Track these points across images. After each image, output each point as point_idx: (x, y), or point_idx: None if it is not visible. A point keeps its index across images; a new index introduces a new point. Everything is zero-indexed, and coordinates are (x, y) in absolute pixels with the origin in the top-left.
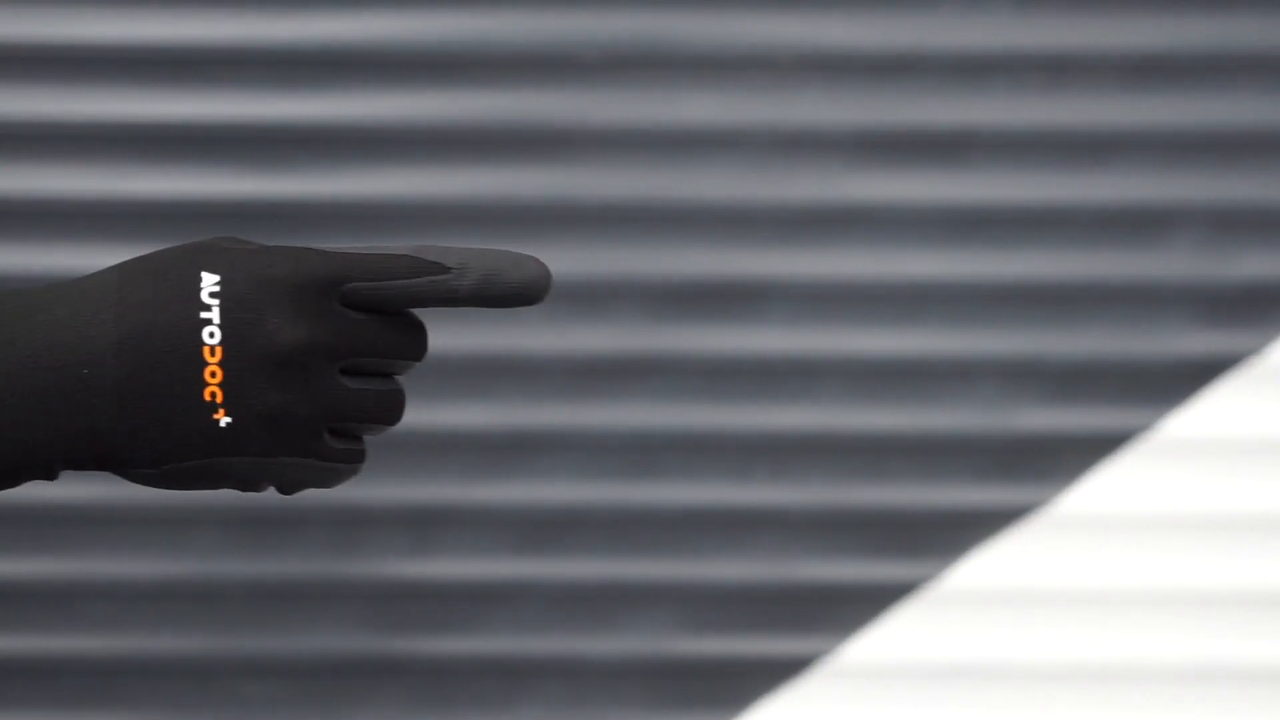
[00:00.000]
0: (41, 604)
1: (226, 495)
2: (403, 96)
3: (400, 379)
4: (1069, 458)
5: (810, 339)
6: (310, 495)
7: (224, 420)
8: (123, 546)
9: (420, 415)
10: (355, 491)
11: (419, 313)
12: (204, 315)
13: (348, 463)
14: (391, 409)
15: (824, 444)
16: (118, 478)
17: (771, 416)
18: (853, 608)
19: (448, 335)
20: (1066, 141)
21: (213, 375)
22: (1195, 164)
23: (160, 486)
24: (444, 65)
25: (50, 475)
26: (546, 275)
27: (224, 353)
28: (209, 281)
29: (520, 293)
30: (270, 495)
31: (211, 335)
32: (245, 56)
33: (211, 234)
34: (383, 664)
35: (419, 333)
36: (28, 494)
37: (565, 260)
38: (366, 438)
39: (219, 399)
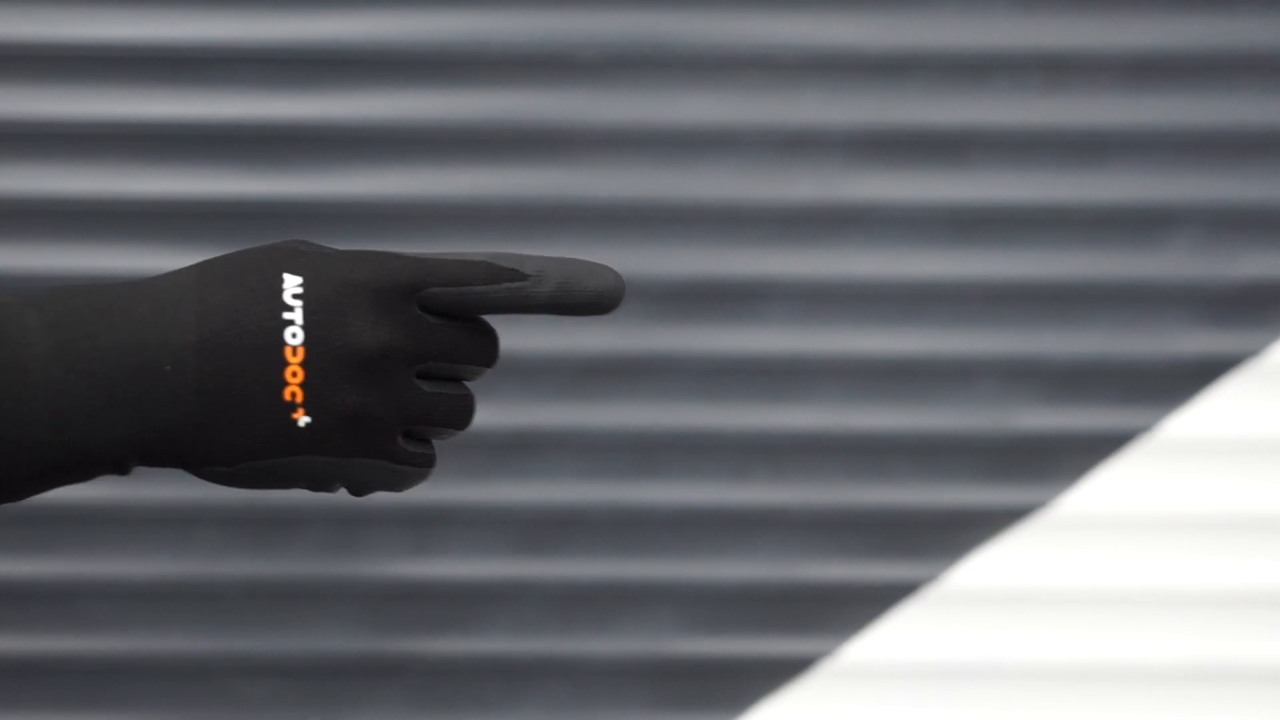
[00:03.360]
0: (41, 604)
1: (228, 494)
2: (403, 96)
3: (469, 384)
4: (1069, 458)
5: (810, 339)
6: (309, 495)
7: (303, 420)
8: (123, 546)
9: None
10: None
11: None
12: (287, 316)
13: (419, 466)
14: (463, 413)
15: (824, 444)
16: (185, 474)
17: (771, 416)
18: (853, 608)
19: None
20: (1066, 141)
21: (294, 375)
22: (1195, 164)
23: (234, 485)
24: (444, 65)
25: (124, 471)
26: (621, 284)
27: (306, 353)
28: (292, 283)
29: (596, 301)
30: (270, 495)
31: (294, 336)
32: (245, 56)
33: (212, 234)
34: (383, 664)
35: (492, 339)
36: None
37: None
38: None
39: (299, 399)
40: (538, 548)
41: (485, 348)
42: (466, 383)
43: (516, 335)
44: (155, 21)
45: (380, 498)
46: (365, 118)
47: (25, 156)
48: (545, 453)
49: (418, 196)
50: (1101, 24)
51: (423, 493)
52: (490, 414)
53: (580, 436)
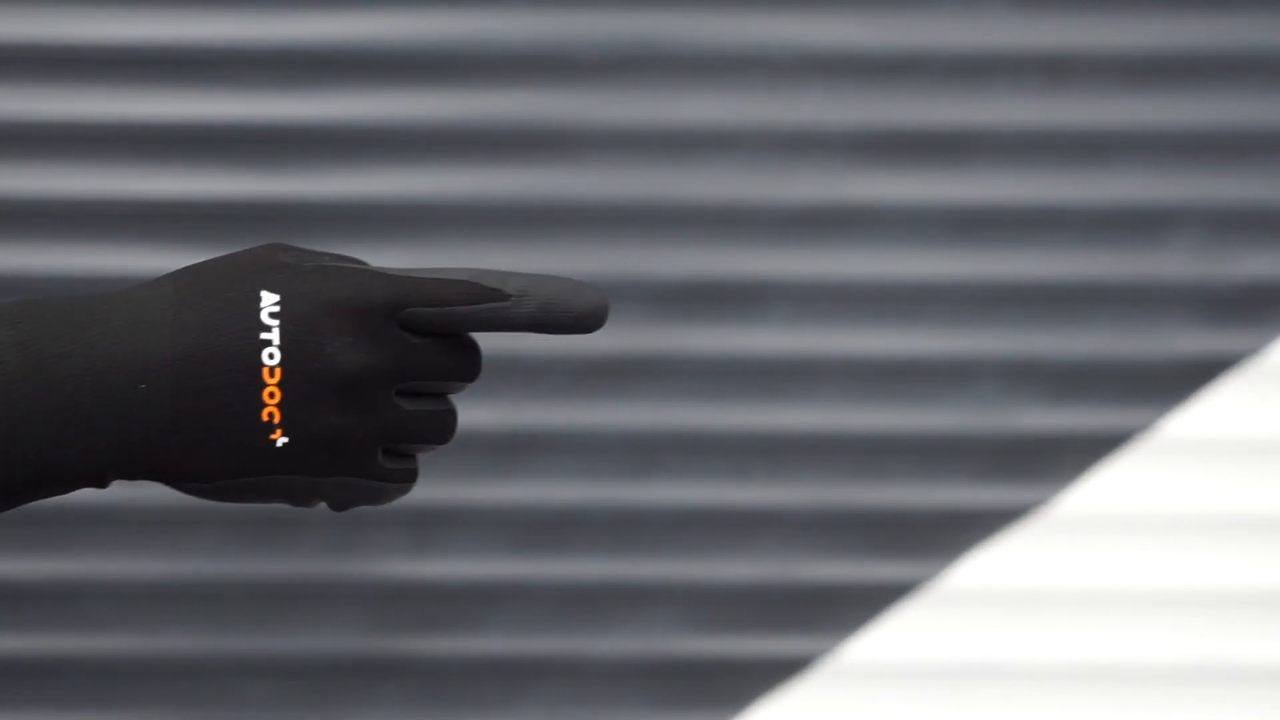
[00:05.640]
0: (42, 604)
1: None
2: (403, 96)
3: (452, 398)
4: (1069, 458)
5: (810, 339)
6: None
7: (280, 440)
8: (123, 546)
9: None
10: None
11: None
12: (264, 336)
13: (400, 482)
14: (444, 429)
15: (824, 444)
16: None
17: (771, 416)
18: (853, 608)
19: None
20: (1066, 141)
21: (271, 396)
22: (1195, 164)
23: (212, 499)
24: (444, 65)
25: (102, 484)
26: (605, 304)
27: (283, 374)
28: (269, 301)
29: (578, 322)
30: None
31: (271, 356)
32: (245, 56)
33: (212, 234)
34: (383, 664)
35: (474, 355)
36: None
37: (566, 260)
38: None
39: (276, 419)
40: (538, 548)
41: (466, 364)
42: (451, 395)
43: (516, 335)
44: (155, 21)
45: None
46: (365, 118)
47: (25, 156)
48: (545, 453)
49: (418, 196)
50: (1101, 24)
51: (423, 493)
52: (490, 414)
53: (580, 436)
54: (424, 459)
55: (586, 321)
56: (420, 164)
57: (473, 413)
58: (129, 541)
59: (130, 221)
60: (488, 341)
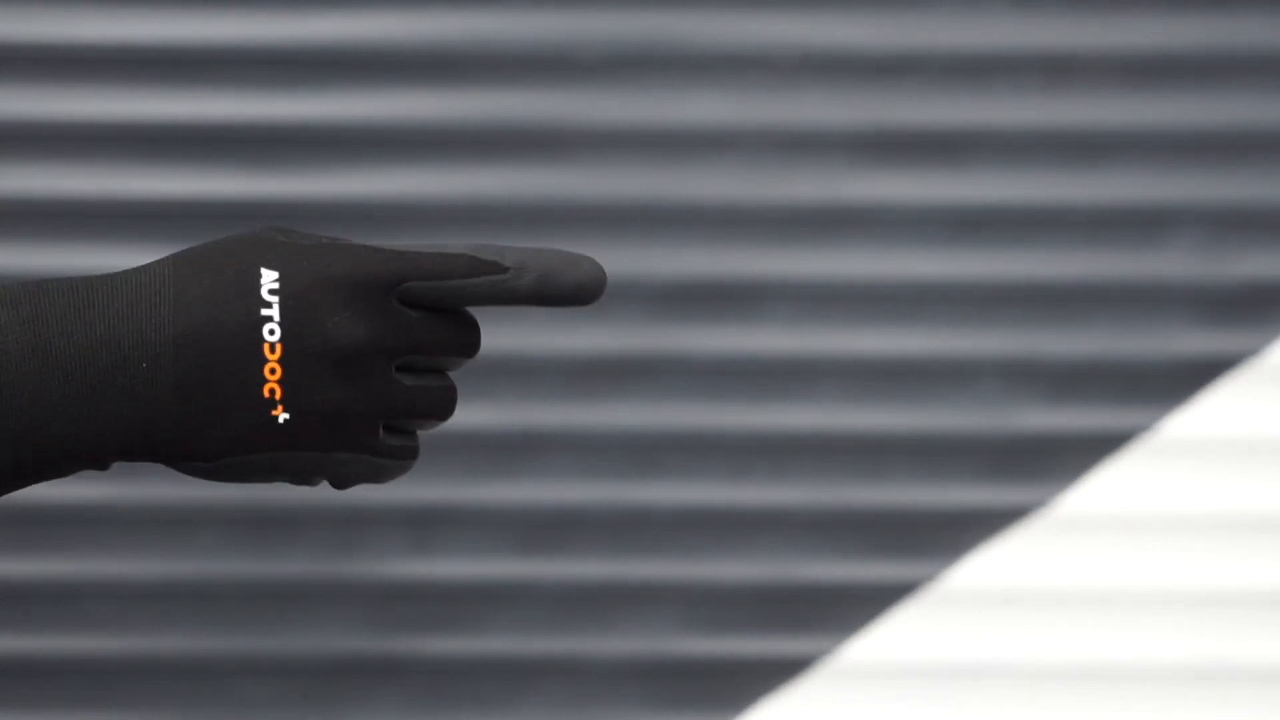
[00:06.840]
0: (42, 604)
1: (228, 494)
2: (403, 96)
3: (452, 374)
4: (1069, 458)
5: (810, 339)
6: (308, 494)
7: (282, 416)
8: (123, 546)
9: None
10: (355, 491)
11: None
12: (265, 312)
13: (401, 459)
14: (444, 405)
15: (823, 444)
16: (165, 469)
17: (771, 416)
18: (853, 608)
19: None
20: (1066, 141)
21: (272, 372)
22: (1195, 164)
23: (214, 479)
24: (444, 65)
25: (103, 466)
26: (602, 275)
27: (284, 350)
28: (268, 278)
29: (576, 293)
30: (269, 495)
31: (271, 333)
32: (245, 56)
33: (212, 234)
34: (383, 664)
35: (473, 330)
36: (28, 494)
37: None
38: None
39: (278, 395)
40: (538, 548)
41: (465, 339)
42: (449, 372)
43: (516, 335)
44: (155, 21)
45: (379, 496)
46: (365, 118)
47: (25, 156)
48: (545, 453)
49: (418, 196)
50: (1101, 24)
51: (423, 493)
52: (490, 414)
53: (580, 436)
54: (424, 451)
55: (585, 292)
56: (420, 164)
57: (473, 413)
58: (129, 541)
59: (130, 221)
60: (486, 343)
